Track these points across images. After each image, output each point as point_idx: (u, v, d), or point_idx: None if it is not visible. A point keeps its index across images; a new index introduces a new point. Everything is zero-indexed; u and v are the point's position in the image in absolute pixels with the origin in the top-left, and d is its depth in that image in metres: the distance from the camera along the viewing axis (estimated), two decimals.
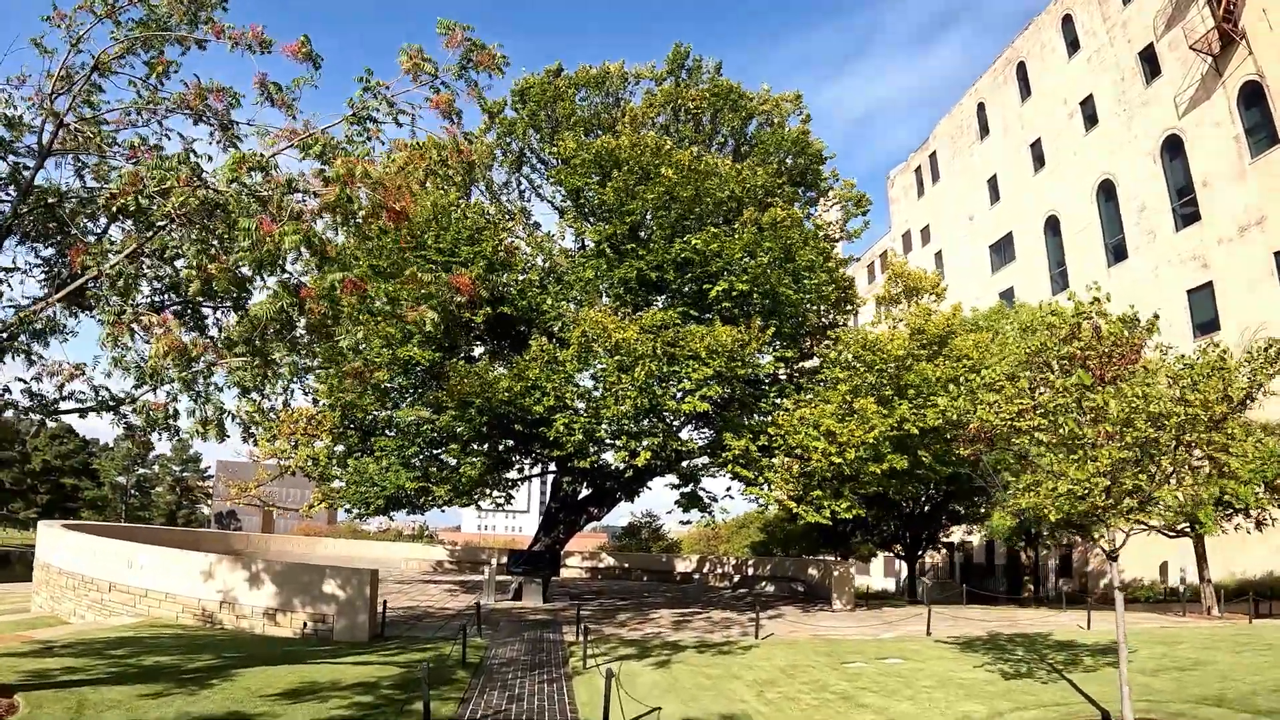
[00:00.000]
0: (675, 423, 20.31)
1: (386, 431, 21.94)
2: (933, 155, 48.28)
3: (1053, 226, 36.63)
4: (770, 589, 29.58)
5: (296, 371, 8.97)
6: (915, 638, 15.93)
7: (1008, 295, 37.96)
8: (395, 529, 64.48)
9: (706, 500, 21.62)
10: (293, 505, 60.07)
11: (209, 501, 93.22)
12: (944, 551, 41.30)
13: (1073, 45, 35.50)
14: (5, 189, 8.33)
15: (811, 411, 17.91)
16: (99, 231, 8.89)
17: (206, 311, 9.70)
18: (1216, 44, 26.78)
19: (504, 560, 27.62)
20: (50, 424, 9.47)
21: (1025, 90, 39.11)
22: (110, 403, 8.53)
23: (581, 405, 18.75)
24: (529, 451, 23.28)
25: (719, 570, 34.04)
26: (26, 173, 8.22)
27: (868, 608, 24.04)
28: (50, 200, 8.46)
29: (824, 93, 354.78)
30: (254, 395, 8.59)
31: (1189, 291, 28.39)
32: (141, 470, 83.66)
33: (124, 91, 8.69)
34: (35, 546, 20.31)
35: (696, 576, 33.85)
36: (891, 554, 36.00)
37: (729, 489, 21.84)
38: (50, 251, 9.08)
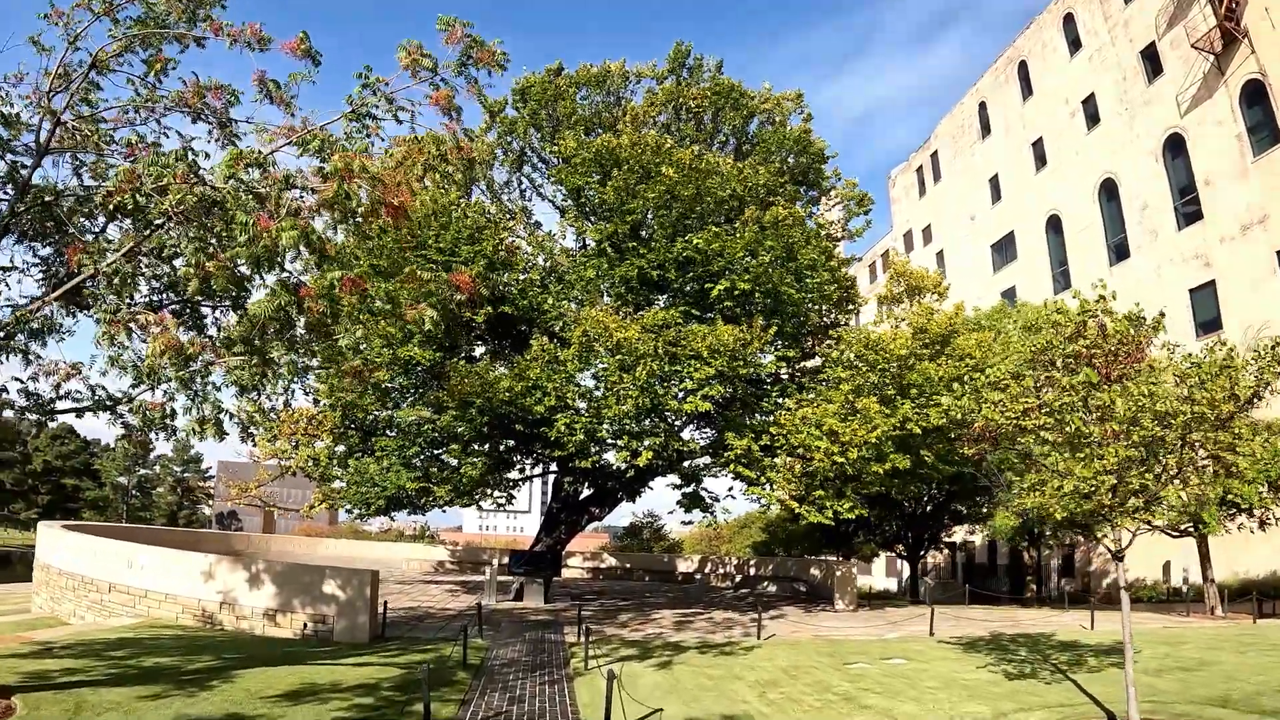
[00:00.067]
0: (677, 422, 20.24)
1: (387, 431, 21.89)
2: (934, 155, 48.21)
3: (1054, 226, 36.57)
4: (772, 589, 29.49)
5: (296, 371, 8.91)
6: (918, 638, 15.87)
7: (1009, 295, 37.89)
8: (397, 529, 64.62)
9: (708, 500, 21.56)
10: (294, 506, 60.02)
11: (210, 502, 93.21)
12: (946, 551, 41.21)
13: (1074, 44, 35.45)
14: (2, 187, 8.29)
15: (814, 411, 17.84)
16: (96, 230, 8.85)
17: (205, 310, 9.66)
18: (1218, 43, 26.73)
19: (505, 561, 27.59)
20: (51, 424, 9.48)
21: (1027, 89, 39.05)
22: (107, 402, 8.47)
23: (583, 405, 18.68)
24: (530, 451, 23.23)
25: (721, 570, 33.96)
26: (24, 171, 8.18)
27: (870, 608, 23.97)
28: (47, 198, 8.42)
29: (824, 92, 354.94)
30: (253, 395, 8.54)
31: (1191, 290, 28.33)
32: (143, 471, 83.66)
33: (122, 89, 8.67)
34: (35, 547, 20.29)
35: (698, 577, 33.78)
36: (894, 554, 35.97)
37: (731, 489, 21.79)
38: (48, 250, 9.04)
